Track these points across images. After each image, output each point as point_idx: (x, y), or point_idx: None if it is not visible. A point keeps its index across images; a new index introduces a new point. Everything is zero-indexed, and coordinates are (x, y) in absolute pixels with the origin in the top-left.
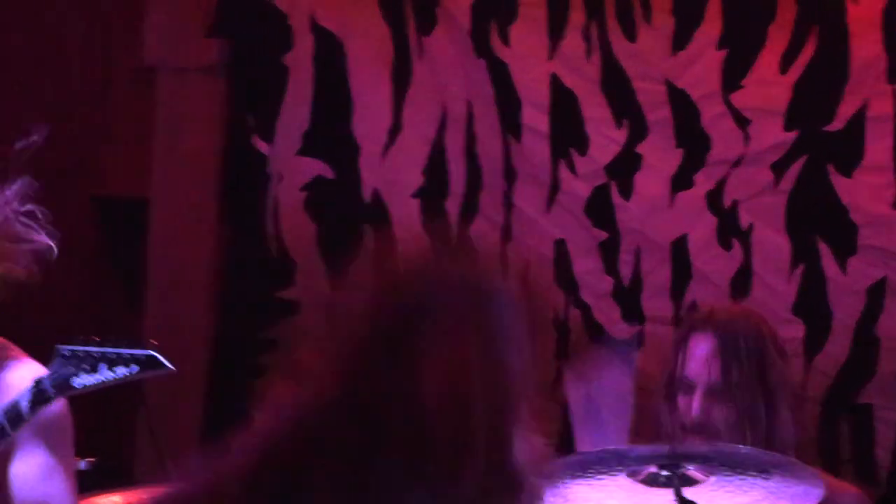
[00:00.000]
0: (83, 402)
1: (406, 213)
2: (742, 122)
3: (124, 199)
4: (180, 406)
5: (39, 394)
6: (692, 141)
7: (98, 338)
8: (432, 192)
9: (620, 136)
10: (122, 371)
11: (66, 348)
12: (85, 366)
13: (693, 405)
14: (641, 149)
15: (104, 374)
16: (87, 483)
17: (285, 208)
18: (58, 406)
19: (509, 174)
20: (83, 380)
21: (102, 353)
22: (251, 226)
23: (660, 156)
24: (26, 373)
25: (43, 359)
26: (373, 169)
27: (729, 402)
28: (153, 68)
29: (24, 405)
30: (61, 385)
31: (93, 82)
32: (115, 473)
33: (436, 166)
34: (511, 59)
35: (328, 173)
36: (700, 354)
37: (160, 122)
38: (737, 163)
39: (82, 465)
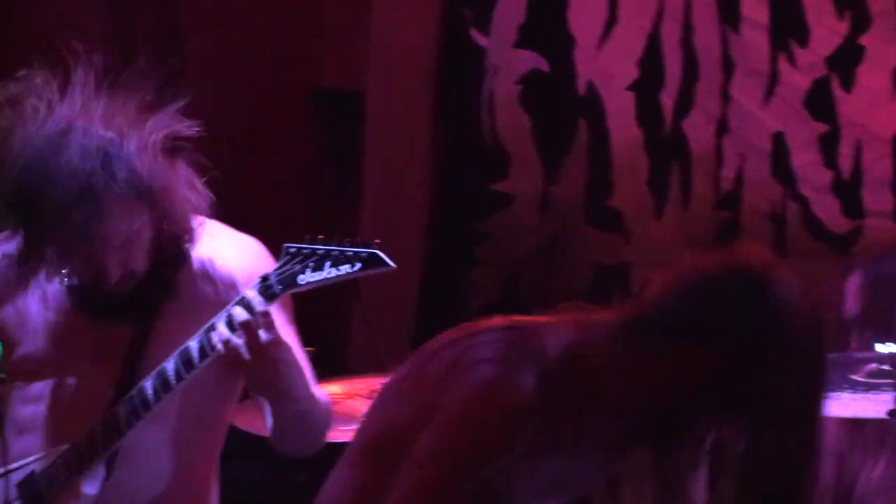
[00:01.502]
0: (301, 294)
1: (621, 107)
2: None
3: (341, 92)
4: (395, 297)
5: (266, 289)
6: None
7: (322, 236)
8: (647, 84)
9: (842, 27)
10: (345, 269)
11: (292, 246)
12: (310, 263)
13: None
14: (864, 40)
15: (328, 272)
16: None
17: (501, 101)
18: None
19: (727, 66)
20: (308, 277)
21: (327, 250)
22: (467, 119)
23: (883, 47)
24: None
25: None
26: (588, 62)
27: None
28: None
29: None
30: (287, 281)
31: None
32: (333, 364)
33: (651, 58)
34: None
35: (543, 66)
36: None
37: (377, 15)
38: None
39: None
